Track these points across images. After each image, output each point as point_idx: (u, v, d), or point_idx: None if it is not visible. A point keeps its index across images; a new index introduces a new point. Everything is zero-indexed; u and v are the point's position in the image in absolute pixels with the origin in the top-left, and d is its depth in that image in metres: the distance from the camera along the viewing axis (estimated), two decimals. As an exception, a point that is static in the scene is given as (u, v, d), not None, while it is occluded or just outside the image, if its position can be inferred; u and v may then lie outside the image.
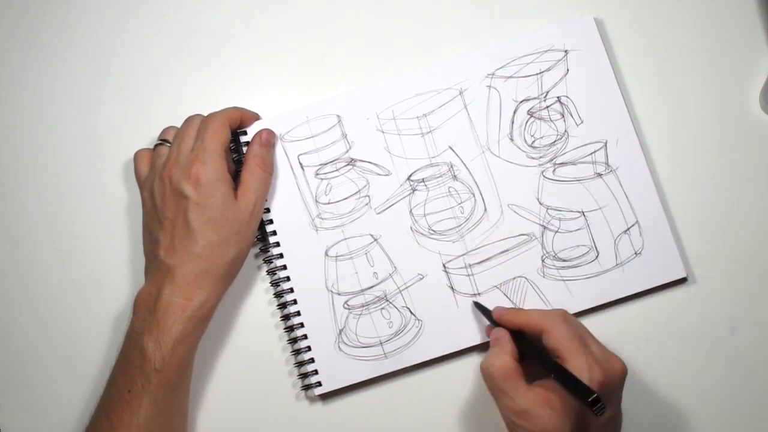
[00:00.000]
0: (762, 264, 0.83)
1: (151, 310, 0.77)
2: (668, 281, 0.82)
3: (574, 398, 0.68)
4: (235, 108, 0.83)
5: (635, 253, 0.82)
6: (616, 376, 0.71)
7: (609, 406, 0.69)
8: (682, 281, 0.83)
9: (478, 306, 0.82)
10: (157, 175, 0.80)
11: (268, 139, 0.83)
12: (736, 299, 0.83)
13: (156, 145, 0.83)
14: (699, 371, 0.82)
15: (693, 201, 0.84)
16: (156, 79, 0.88)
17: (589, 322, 0.82)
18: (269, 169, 0.82)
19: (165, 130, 0.84)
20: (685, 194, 0.84)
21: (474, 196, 0.83)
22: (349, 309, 0.83)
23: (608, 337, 0.82)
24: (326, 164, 0.84)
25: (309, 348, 0.82)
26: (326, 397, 0.83)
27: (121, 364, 0.78)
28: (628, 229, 0.82)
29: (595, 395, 0.66)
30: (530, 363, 0.74)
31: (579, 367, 0.69)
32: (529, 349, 0.74)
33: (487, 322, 0.81)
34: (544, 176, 0.83)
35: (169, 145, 0.82)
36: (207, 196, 0.77)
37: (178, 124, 0.83)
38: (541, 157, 0.83)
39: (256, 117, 0.85)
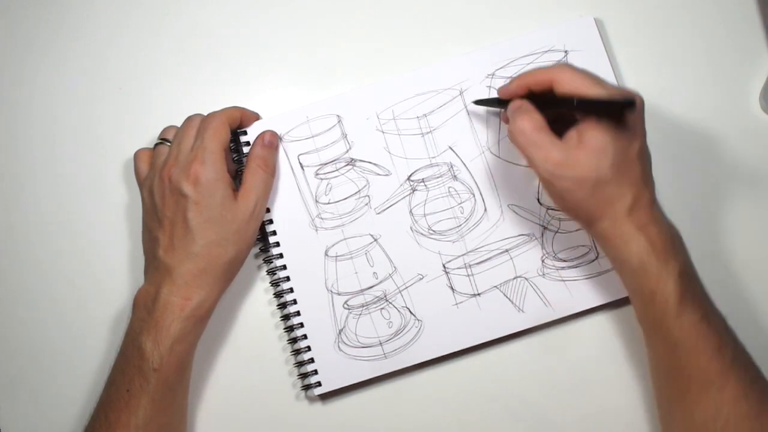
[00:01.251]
0: (761, 264, 0.83)
1: (149, 309, 0.77)
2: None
3: (604, 115, 0.69)
4: (235, 107, 0.83)
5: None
6: (638, 103, 0.72)
7: (636, 134, 0.71)
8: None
9: (481, 101, 0.82)
10: (157, 175, 0.80)
11: (271, 141, 0.83)
12: (735, 299, 0.83)
13: (156, 145, 0.83)
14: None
15: (693, 202, 0.84)
16: (156, 79, 0.88)
17: (589, 323, 0.83)
18: (271, 171, 0.82)
19: (165, 130, 0.84)
20: (685, 195, 0.84)
21: (474, 196, 0.83)
22: (348, 309, 0.83)
23: (608, 338, 0.82)
24: (326, 164, 0.84)
25: (309, 348, 0.82)
26: (326, 397, 0.83)
27: (119, 363, 0.78)
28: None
29: (621, 99, 0.68)
30: (554, 128, 0.73)
31: (599, 95, 0.70)
32: (547, 107, 0.73)
33: (497, 110, 0.82)
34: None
35: (169, 144, 0.82)
36: (206, 196, 0.77)
37: (178, 124, 0.83)
38: (541, 158, 0.83)
39: (256, 117, 0.85)
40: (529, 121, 0.72)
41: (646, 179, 0.73)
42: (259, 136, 0.83)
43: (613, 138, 0.70)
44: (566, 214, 0.76)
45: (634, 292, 0.73)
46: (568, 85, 0.72)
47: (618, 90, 0.72)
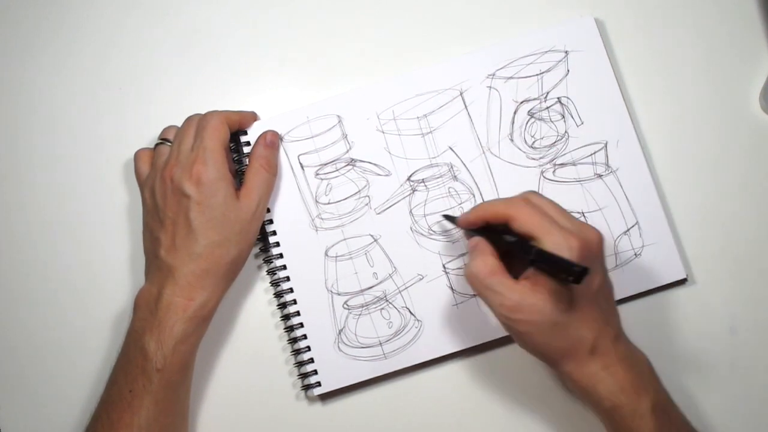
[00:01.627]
0: (762, 264, 0.83)
1: (152, 309, 0.77)
2: (668, 282, 0.82)
3: (557, 277, 0.67)
4: (233, 112, 0.83)
5: (635, 254, 0.82)
6: (594, 243, 0.70)
7: (593, 273, 0.69)
8: (682, 282, 0.83)
9: (448, 218, 0.81)
10: (159, 175, 0.80)
11: (273, 141, 0.83)
12: (736, 299, 0.83)
13: (156, 145, 0.83)
14: (699, 371, 0.82)
15: (693, 202, 0.84)
16: (156, 79, 0.88)
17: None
18: (273, 170, 0.82)
19: (165, 130, 0.84)
20: (685, 195, 0.84)
21: (474, 196, 0.83)
22: (348, 309, 0.83)
23: (608, 338, 0.82)
24: (326, 164, 0.84)
25: (308, 348, 0.82)
26: (326, 397, 0.83)
27: (121, 363, 0.78)
28: (628, 230, 0.82)
29: (578, 269, 0.64)
30: (510, 263, 0.72)
31: (555, 242, 0.68)
32: (504, 244, 0.72)
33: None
34: (544, 177, 0.83)
35: (169, 144, 0.82)
36: (208, 196, 0.77)
37: (179, 124, 0.83)
38: (541, 158, 0.83)
39: (254, 117, 0.85)
40: (483, 266, 0.70)
41: (608, 315, 0.72)
42: (260, 136, 0.83)
43: (565, 282, 0.68)
44: (533, 356, 0.73)
45: (612, 431, 0.72)
46: (525, 227, 0.70)
47: (575, 235, 0.69)
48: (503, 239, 0.72)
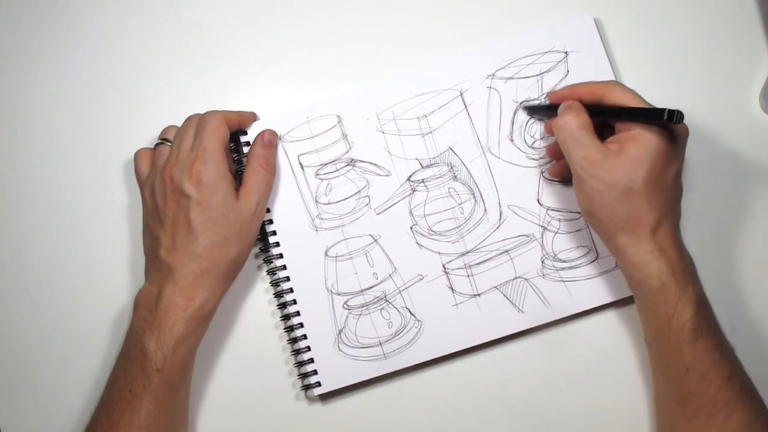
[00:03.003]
0: (762, 264, 0.83)
1: (152, 309, 0.77)
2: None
3: (650, 124, 0.71)
4: (232, 112, 0.83)
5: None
6: (681, 132, 0.73)
7: (674, 159, 0.72)
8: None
9: (529, 109, 0.83)
10: (158, 175, 0.80)
11: (271, 140, 0.83)
12: (735, 300, 0.83)
13: (156, 145, 0.83)
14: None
15: (692, 202, 0.83)
16: (156, 79, 0.88)
17: (590, 323, 0.83)
18: (272, 170, 0.82)
19: (165, 130, 0.84)
20: (685, 196, 0.83)
21: (474, 196, 0.83)
22: (348, 309, 0.83)
23: (608, 338, 0.82)
24: (326, 164, 0.84)
25: (308, 348, 0.82)
26: (326, 397, 0.83)
27: (121, 363, 0.78)
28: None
29: (668, 110, 0.68)
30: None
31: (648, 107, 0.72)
32: (594, 116, 0.75)
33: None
34: (544, 177, 0.83)
35: (169, 144, 0.82)
36: (208, 196, 0.77)
37: (179, 124, 0.83)
38: (541, 158, 0.83)
39: (253, 117, 0.85)
40: (575, 118, 0.73)
41: (674, 204, 0.74)
42: (258, 135, 0.83)
43: (653, 154, 0.71)
44: (588, 220, 0.76)
45: (649, 312, 0.74)
46: (619, 100, 0.73)
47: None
48: (593, 109, 0.75)
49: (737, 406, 0.71)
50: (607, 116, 0.75)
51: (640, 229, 0.72)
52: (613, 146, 0.72)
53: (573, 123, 0.73)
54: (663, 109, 0.69)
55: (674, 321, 0.72)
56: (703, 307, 0.73)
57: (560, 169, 0.82)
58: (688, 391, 0.72)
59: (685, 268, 0.73)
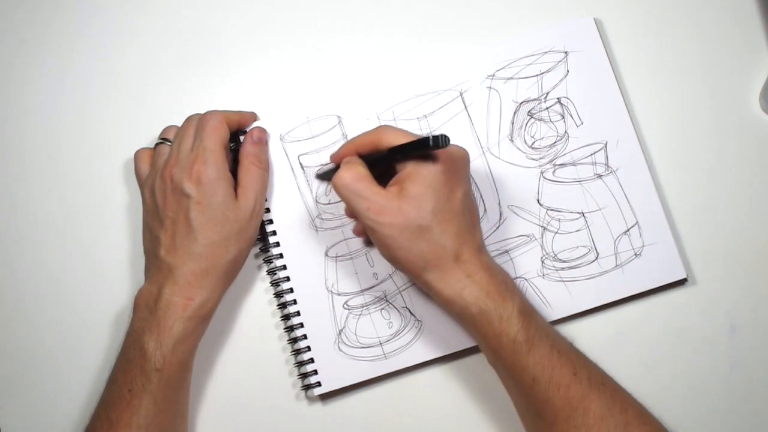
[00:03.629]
0: (762, 264, 0.83)
1: (151, 309, 0.77)
2: (668, 282, 0.82)
3: (421, 153, 0.71)
4: (232, 111, 0.83)
5: (635, 254, 0.82)
6: (457, 154, 0.74)
7: (457, 184, 0.73)
8: (682, 282, 0.83)
9: (321, 176, 0.84)
10: (159, 174, 0.80)
11: (260, 137, 0.83)
12: (736, 299, 0.83)
13: (156, 144, 0.83)
14: (699, 371, 0.82)
15: (693, 202, 0.84)
16: (156, 79, 0.88)
17: (590, 323, 0.83)
18: (265, 166, 0.82)
19: (165, 129, 0.84)
20: (685, 195, 0.84)
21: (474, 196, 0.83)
22: (349, 309, 0.83)
23: (608, 338, 0.82)
24: (327, 164, 0.84)
25: (309, 348, 0.82)
26: (326, 397, 0.83)
27: (121, 363, 0.78)
28: (628, 230, 0.82)
29: (432, 137, 0.68)
30: (379, 180, 0.75)
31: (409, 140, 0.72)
32: (373, 166, 0.75)
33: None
34: (544, 177, 0.83)
35: (169, 144, 0.82)
36: (209, 195, 0.77)
37: (178, 124, 0.83)
38: (541, 158, 0.83)
39: (254, 117, 0.85)
40: (350, 172, 0.73)
41: (471, 227, 0.75)
42: (247, 134, 0.83)
43: (433, 186, 0.72)
44: (393, 266, 0.76)
45: (479, 338, 0.75)
46: (392, 140, 0.73)
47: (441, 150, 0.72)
48: (371, 159, 0.75)
49: (591, 399, 0.71)
50: (383, 162, 0.75)
51: (443, 263, 0.73)
52: (394, 188, 0.73)
53: (348, 178, 0.73)
54: (427, 137, 0.69)
55: (504, 339, 0.72)
56: (527, 316, 0.73)
57: (362, 228, 0.81)
58: (541, 400, 0.72)
59: (499, 285, 0.73)
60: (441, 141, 0.68)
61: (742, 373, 0.82)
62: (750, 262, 0.83)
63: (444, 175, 0.72)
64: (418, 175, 0.72)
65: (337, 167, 0.78)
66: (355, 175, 0.73)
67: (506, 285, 0.74)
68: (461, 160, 0.74)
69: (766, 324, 0.83)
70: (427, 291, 0.75)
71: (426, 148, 0.70)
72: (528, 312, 0.73)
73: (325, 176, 0.83)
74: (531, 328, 0.72)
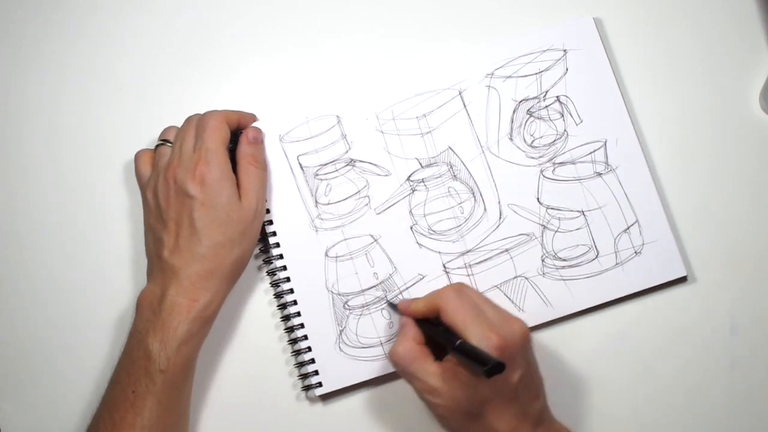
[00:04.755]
0: (762, 263, 0.83)
1: (155, 310, 0.77)
2: (668, 280, 0.82)
3: (473, 370, 0.69)
4: (232, 111, 0.83)
5: (635, 252, 0.82)
6: (516, 338, 0.72)
7: (513, 368, 0.70)
8: (682, 280, 0.83)
9: (391, 306, 0.82)
10: (161, 176, 0.80)
11: (256, 136, 0.83)
12: (736, 298, 0.83)
13: (157, 146, 0.83)
14: (699, 371, 0.82)
15: (693, 201, 0.83)
16: (156, 78, 0.88)
17: (590, 322, 0.83)
18: (262, 165, 0.82)
19: (166, 130, 0.84)
20: (685, 194, 0.84)
21: (474, 196, 0.83)
22: (349, 309, 0.83)
23: (608, 336, 0.82)
24: (326, 165, 0.84)
25: (309, 348, 0.82)
26: (327, 397, 0.83)
27: (124, 364, 0.78)
28: (628, 228, 0.82)
29: (490, 364, 0.67)
30: (439, 345, 0.74)
31: (476, 336, 0.70)
32: (432, 331, 0.75)
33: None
34: (543, 176, 0.83)
35: (170, 145, 0.82)
36: (212, 196, 0.77)
37: (179, 124, 0.83)
38: (540, 157, 0.83)
39: (253, 118, 0.85)
40: (405, 351, 0.73)
41: (527, 408, 0.73)
42: (242, 134, 0.83)
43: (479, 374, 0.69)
44: None
45: None
46: (451, 318, 0.73)
47: (497, 330, 0.71)
48: (433, 326, 0.75)
49: None
50: (441, 340, 0.74)
51: None
52: (449, 366, 0.72)
53: (401, 356, 0.73)
54: (484, 364, 0.67)
55: None
56: None
57: None
58: None
59: None
60: (493, 371, 0.67)
61: (742, 373, 0.82)
62: (749, 261, 0.83)
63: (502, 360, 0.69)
64: (467, 366, 0.71)
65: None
66: (411, 355, 0.73)
67: None
68: (522, 341, 0.72)
69: (766, 323, 0.82)
70: None
71: (478, 369, 0.68)
72: None
73: (393, 308, 0.82)
74: None
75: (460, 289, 0.75)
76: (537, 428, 0.73)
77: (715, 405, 0.82)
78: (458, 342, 0.70)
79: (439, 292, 0.76)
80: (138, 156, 0.84)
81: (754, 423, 0.82)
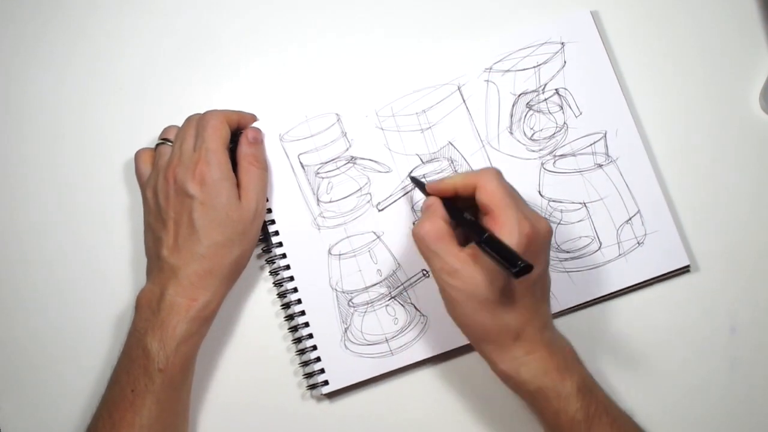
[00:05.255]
0: (763, 263, 0.83)
1: (154, 310, 0.76)
2: (671, 270, 0.82)
3: (499, 264, 0.67)
4: (232, 111, 0.83)
5: (638, 243, 0.82)
6: (544, 232, 0.71)
7: (535, 263, 0.68)
8: (684, 270, 0.83)
9: (415, 180, 0.81)
10: (161, 175, 0.79)
11: (255, 137, 0.83)
12: (735, 299, 0.83)
13: (157, 145, 0.83)
14: (698, 370, 0.82)
15: (693, 200, 0.83)
16: (156, 78, 0.88)
17: (594, 313, 0.83)
18: (262, 165, 0.82)
19: (166, 129, 0.84)
20: (685, 192, 0.84)
21: (475, 190, 0.83)
22: (354, 307, 0.83)
23: (612, 329, 0.82)
24: (327, 163, 0.84)
25: (314, 347, 0.82)
26: (333, 395, 0.83)
27: (123, 363, 0.77)
28: (630, 218, 0.82)
29: (520, 264, 0.65)
30: (463, 232, 0.73)
31: (510, 219, 0.69)
32: (459, 217, 0.73)
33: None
34: (544, 168, 0.83)
35: (170, 144, 0.82)
36: (212, 196, 0.77)
37: (179, 124, 0.83)
38: (541, 150, 0.84)
39: (253, 118, 0.85)
40: (432, 229, 0.71)
41: (538, 306, 0.72)
42: (242, 135, 0.82)
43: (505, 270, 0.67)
44: (456, 325, 0.74)
45: (537, 414, 0.73)
46: (488, 196, 0.71)
47: (529, 221, 0.70)
48: (460, 213, 0.73)
49: None
50: (469, 227, 0.72)
51: (502, 339, 0.71)
52: (471, 253, 0.70)
53: (426, 233, 0.71)
54: (514, 264, 0.65)
55: (562, 417, 0.71)
56: (587, 393, 0.71)
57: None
58: None
59: (558, 363, 0.71)
60: (524, 271, 0.65)
61: (742, 373, 0.82)
62: (748, 259, 0.83)
63: (523, 253, 0.68)
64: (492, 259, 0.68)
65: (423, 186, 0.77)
66: (435, 232, 0.71)
67: (566, 362, 0.72)
68: (544, 237, 0.71)
69: (766, 323, 0.82)
70: (483, 357, 0.73)
71: (506, 267, 0.66)
72: (588, 389, 0.72)
73: (418, 184, 0.81)
74: (591, 406, 0.71)
75: (498, 174, 0.73)
76: (544, 331, 0.72)
77: (715, 405, 0.81)
78: (486, 235, 0.68)
79: (479, 170, 0.73)
80: (138, 155, 0.84)
81: (754, 423, 0.81)
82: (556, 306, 0.81)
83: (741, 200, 0.84)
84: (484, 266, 0.69)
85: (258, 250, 0.84)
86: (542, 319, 0.72)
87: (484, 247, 0.68)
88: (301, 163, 0.84)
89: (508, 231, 0.69)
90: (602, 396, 0.73)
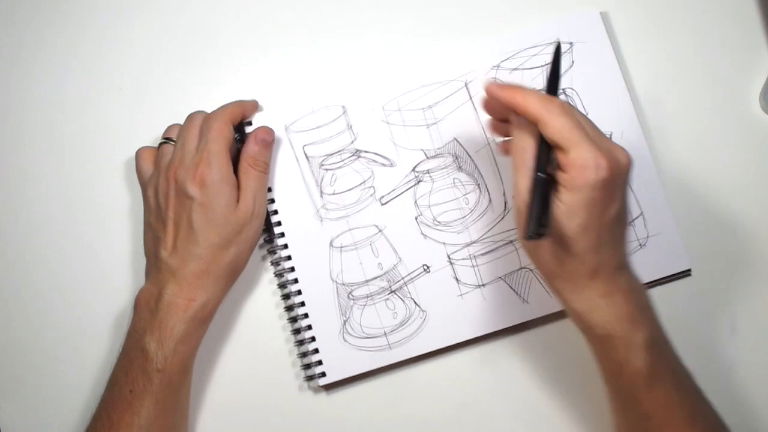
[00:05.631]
0: (763, 263, 0.83)
1: (152, 310, 0.77)
2: (672, 273, 0.82)
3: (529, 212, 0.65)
4: (234, 103, 0.82)
5: (640, 245, 0.82)
6: (622, 166, 0.67)
7: (614, 199, 0.66)
8: (685, 274, 0.83)
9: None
10: (162, 175, 0.79)
11: (264, 138, 0.82)
12: (735, 299, 0.83)
13: (160, 144, 0.82)
14: (698, 370, 0.82)
15: (693, 200, 0.84)
16: (156, 76, 0.87)
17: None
18: (263, 168, 0.81)
19: (169, 128, 0.83)
20: (686, 192, 0.84)
21: (479, 187, 0.83)
22: (353, 300, 0.83)
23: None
24: (331, 155, 0.84)
25: (313, 338, 0.82)
26: (330, 387, 0.83)
27: (122, 364, 0.77)
28: (633, 220, 0.82)
29: (542, 230, 0.64)
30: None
31: (583, 157, 0.65)
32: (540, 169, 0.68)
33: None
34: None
35: (173, 143, 0.81)
36: (211, 198, 0.77)
37: (180, 122, 0.82)
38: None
39: (255, 106, 0.84)
40: (531, 146, 0.68)
41: (616, 246, 0.69)
42: (251, 133, 0.82)
43: (588, 201, 0.65)
44: (529, 259, 0.72)
45: (600, 360, 0.71)
46: (554, 134, 0.66)
47: (606, 154, 0.65)
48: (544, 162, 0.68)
49: None
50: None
51: (576, 278, 0.68)
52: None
53: (528, 152, 0.67)
54: (541, 224, 0.64)
55: (626, 369, 0.68)
56: (656, 349, 0.68)
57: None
58: None
59: (633, 311, 0.68)
60: (535, 237, 0.64)
61: (742, 373, 0.82)
62: (750, 261, 0.83)
63: (603, 190, 0.65)
64: (577, 183, 0.65)
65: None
66: (532, 151, 0.67)
67: (641, 312, 0.69)
68: (625, 167, 0.67)
69: (766, 323, 0.83)
70: (555, 295, 0.71)
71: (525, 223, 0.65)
72: (658, 344, 0.69)
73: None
74: (657, 363, 0.68)
75: (565, 106, 0.67)
76: (621, 272, 0.69)
77: (715, 405, 0.81)
78: (538, 175, 0.66)
79: (543, 101, 0.67)
80: (139, 153, 0.83)
81: (754, 423, 0.82)
82: (556, 305, 0.81)
83: (741, 200, 0.84)
84: (562, 202, 0.66)
85: (260, 241, 0.84)
86: (618, 259, 0.69)
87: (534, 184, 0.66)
88: (305, 154, 0.84)
89: (580, 169, 0.65)
90: (671, 354, 0.70)
